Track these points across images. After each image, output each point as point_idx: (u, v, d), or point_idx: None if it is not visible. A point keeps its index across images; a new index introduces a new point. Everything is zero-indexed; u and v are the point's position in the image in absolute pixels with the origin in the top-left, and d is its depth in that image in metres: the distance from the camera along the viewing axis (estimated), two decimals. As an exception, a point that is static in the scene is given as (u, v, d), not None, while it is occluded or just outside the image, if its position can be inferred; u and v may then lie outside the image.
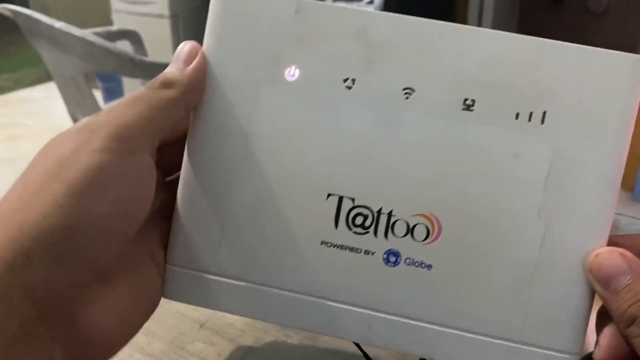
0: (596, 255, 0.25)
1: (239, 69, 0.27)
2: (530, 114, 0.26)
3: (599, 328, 0.27)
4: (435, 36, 0.26)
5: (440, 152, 0.26)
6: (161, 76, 0.25)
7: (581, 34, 2.76)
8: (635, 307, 0.24)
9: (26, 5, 2.14)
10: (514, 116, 0.26)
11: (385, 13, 0.26)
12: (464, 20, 2.08)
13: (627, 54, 0.26)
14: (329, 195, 0.27)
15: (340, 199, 0.26)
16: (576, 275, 0.26)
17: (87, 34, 1.29)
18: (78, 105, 1.43)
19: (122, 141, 0.23)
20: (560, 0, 2.75)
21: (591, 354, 0.28)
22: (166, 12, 2.21)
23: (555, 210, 0.26)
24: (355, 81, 0.26)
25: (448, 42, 0.26)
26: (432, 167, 0.26)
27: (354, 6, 0.26)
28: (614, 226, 0.48)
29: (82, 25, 1.35)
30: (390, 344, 0.27)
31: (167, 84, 0.25)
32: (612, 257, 0.25)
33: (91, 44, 1.26)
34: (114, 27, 1.85)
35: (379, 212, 0.26)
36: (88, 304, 0.24)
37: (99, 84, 2.17)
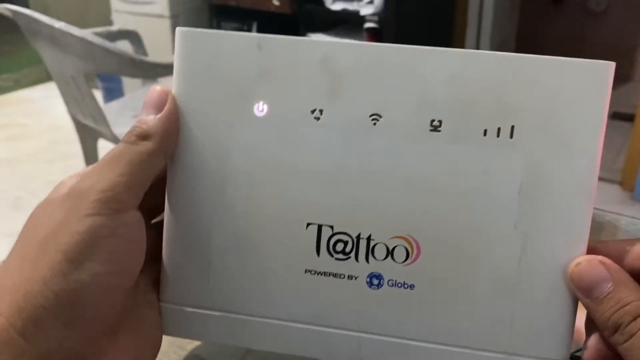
0: (576, 265, 0.25)
1: (209, 109, 0.27)
2: (499, 129, 0.26)
3: (588, 331, 0.27)
4: (396, 61, 0.26)
5: (412, 174, 0.26)
6: (136, 129, 0.26)
7: (581, 34, 2.76)
8: (617, 314, 0.24)
9: (26, 5, 2.14)
10: (482, 133, 0.26)
11: (346, 42, 0.27)
12: (464, 20, 2.08)
13: (592, 60, 0.26)
14: (308, 224, 0.27)
15: (320, 227, 0.27)
16: (558, 284, 0.26)
17: (87, 34, 1.29)
18: (78, 105, 1.43)
19: (109, 203, 0.24)
20: (560, 0, 2.75)
21: (579, 350, 0.28)
22: (166, 12, 2.22)
23: (531, 222, 0.26)
24: (323, 111, 0.26)
25: (410, 65, 0.26)
26: (406, 190, 0.26)
27: (317, 36, 0.27)
28: (614, 226, 0.48)
29: (82, 25, 1.36)
30: None
31: (144, 136, 0.26)
32: (592, 267, 0.25)
33: (91, 44, 1.26)
34: (114, 27, 1.85)
35: (358, 237, 0.27)
36: (100, 358, 0.25)
37: (99, 84, 2.17)
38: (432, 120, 0.26)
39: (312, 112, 0.27)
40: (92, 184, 0.24)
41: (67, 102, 1.43)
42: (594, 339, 0.26)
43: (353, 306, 0.27)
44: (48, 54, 1.35)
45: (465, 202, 0.26)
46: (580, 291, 0.25)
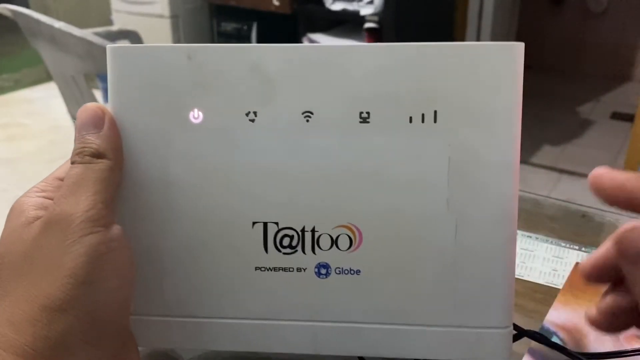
0: (627, 231, 0.24)
1: (146, 122, 0.28)
2: (423, 115, 0.27)
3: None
4: (323, 59, 0.27)
5: (347, 165, 0.27)
6: (85, 149, 0.26)
7: (581, 34, 2.76)
8: None
9: (26, 5, 2.14)
10: (408, 120, 0.27)
11: (272, 45, 0.27)
12: (463, 21, 2.08)
13: (503, 42, 0.27)
14: (254, 223, 0.28)
15: (265, 225, 0.28)
16: (493, 257, 0.27)
17: (87, 34, 1.29)
18: (78, 105, 1.42)
19: (96, 221, 0.25)
20: (560, 0, 2.75)
21: (525, 331, 0.30)
22: (166, 12, 2.22)
23: (461, 200, 0.27)
24: (257, 113, 0.27)
25: (336, 62, 0.27)
26: (343, 180, 0.27)
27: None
28: (614, 226, 0.48)
29: (82, 25, 1.36)
30: (338, 349, 0.29)
31: (97, 155, 0.26)
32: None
33: (91, 44, 1.26)
34: (114, 27, 1.85)
35: (303, 230, 0.28)
36: None
37: (99, 84, 2.17)
38: (361, 113, 0.27)
39: (247, 114, 0.27)
40: (73, 206, 0.25)
41: (67, 102, 1.43)
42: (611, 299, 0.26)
43: (304, 297, 0.28)
44: (48, 54, 1.35)
45: (399, 187, 0.27)
46: (626, 260, 0.24)
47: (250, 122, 0.27)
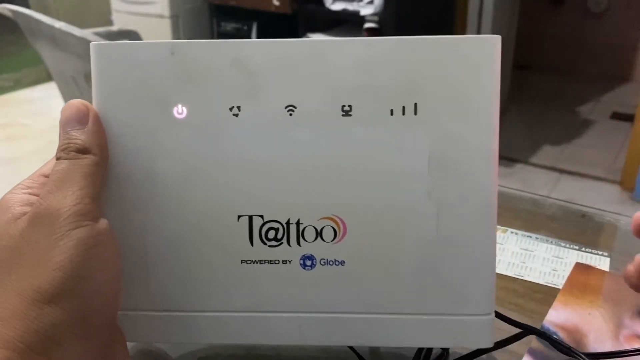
0: None
1: (130, 118, 0.28)
2: (403, 108, 0.27)
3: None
4: (305, 53, 0.27)
5: (330, 158, 0.28)
6: (71, 145, 0.26)
7: (581, 34, 2.76)
8: None
9: (26, 5, 2.14)
10: (389, 113, 0.27)
11: (254, 40, 0.28)
12: (463, 21, 2.08)
13: (480, 35, 0.28)
14: (239, 217, 0.28)
15: (250, 218, 0.28)
16: (475, 245, 0.28)
17: (87, 34, 1.29)
18: (78, 105, 1.42)
19: (84, 215, 0.25)
20: (560, 0, 2.75)
21: (530, 328, 0.31)
22: (166, 12, 2.22)
23: (443, 191, 0.28)
24: (241, 108, 0.28)
25: (318, 56, 0.27)
26: (326, 173, 0.28)
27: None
28: (614, 226, 0.48)
29: (82, 25, 1.36)
30: (324, 340, 0.29)
31: (82, 150, 0.26)
32: None
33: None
34: (114, 27, 1.85)
35: (288, 222, 0.28)
36: None
37: (99, 84, 2.15)
38: (343, 106, 0.28)
39: (230, 109, 0.28)
40: (59, 201, 0.25)
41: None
42: None
43: (290, 289, 0.29)
44: (48, 54, 1.35)
45: (381, 178, 0.28)
46: None
47: (234, 117, 0.28)
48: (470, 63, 0.27)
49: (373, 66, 0.27)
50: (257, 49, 0.27)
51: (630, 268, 0.27)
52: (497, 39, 0.27)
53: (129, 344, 0.28)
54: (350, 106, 0.27)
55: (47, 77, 2.37)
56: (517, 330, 0.32)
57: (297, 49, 0.27)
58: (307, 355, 0.33)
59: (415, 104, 0.27)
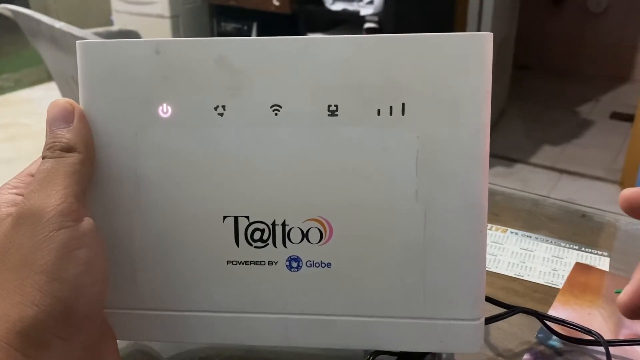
0: None
1: (115, 116, 0.28)
2: (391, 108, 0.27)
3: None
4: (290, 52, 0.27)
5: (316, 159, 0.27)
6: (56, 143, 0.26)
7: (581, 34, 2.76)
8: None
9: (27, 5, 2.14)
10: (376, 113, 0.27)
11: (239, 38, 0.27)
12: (463, 20, 2.07)
13: (471, 33, 0.27)
14: (224, 217, 0.28)
15: (236, 219, 0.28)
16: (463, 247, 0.27)
17: (87, 34, 1.29)
18: (78, 105, 1.42)
19: (68, 215, 0.25)
20: (560, 0, 2.75)
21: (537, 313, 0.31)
22: (166, 12, 2.22)
23: (430, 191, 0.27)
24: (226, 107, 0.27)
25: (303, 55, 0.27)
26: (312, 174, 0.27)
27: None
28: (614, 226, 0.48)
29: (82, 25, 1.36)
30: (309, 341, 0.29)
31: (67, 149, 0.26)
32: None
33: (91, 44, 1.26)
34: (114, 27, 1.85)
35: (274, 224, 0.28)
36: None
37: (99, 84, 2.15)
38: (329, 106, 0.27)
39: (215, 108, 0.27)
40: (43, 200, 0.24)
41: (68, 102, 1.43)
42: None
43: (276, 290, 0.29)
44: (48, 54, 1.35)
45: (368, 179, 0.27)
46: None
47: (219, 116, 0.27)
48: (460, 62, 0.26)
49: (360, 65, 0.27)
50: (242, 48, 0.27)
51: (622, 297, 0.27)
52: (488, 36, 0.26)
53: (124, 345, 0.28)
54: (336, 106, 0.27)
55: (47, 77, 2.37)
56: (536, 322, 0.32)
57: (282, 47, 0.27)
58: (307, 355, 0.33)
59: (403, 104, 0.27)
